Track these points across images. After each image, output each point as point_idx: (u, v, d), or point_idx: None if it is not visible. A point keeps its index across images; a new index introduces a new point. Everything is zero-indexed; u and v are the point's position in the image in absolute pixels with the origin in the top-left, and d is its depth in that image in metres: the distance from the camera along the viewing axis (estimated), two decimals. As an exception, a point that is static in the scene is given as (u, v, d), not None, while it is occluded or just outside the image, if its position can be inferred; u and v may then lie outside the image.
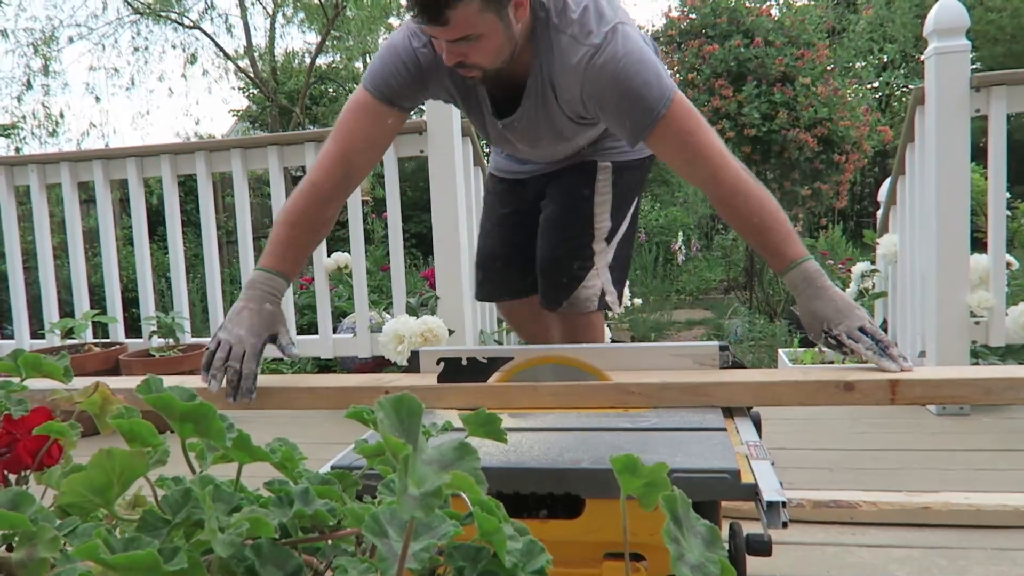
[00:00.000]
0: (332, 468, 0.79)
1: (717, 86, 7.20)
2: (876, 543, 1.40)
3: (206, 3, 12.16)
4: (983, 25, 13.01)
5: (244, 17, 12.40)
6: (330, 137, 1.45)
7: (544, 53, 1.36)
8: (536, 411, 1.16)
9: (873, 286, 3.35)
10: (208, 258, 2.87)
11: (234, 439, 0.57)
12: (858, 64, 9.91)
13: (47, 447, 0.62)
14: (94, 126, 16.38)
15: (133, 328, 3.11)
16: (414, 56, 1.40)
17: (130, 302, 3.25)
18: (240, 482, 0.58)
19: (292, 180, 6.26)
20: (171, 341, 2.77)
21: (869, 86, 10.29)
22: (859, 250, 7.65)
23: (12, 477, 0.63)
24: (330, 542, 0.54)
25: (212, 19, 16.11)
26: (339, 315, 3.23)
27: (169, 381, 0.62)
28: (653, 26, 11.97)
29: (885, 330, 3.16)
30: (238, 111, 15.26)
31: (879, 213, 3.40)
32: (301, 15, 12.81)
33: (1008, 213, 3.49)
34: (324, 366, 3.24)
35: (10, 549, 0.50)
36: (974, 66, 2.34)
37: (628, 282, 2.94)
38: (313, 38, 14.52)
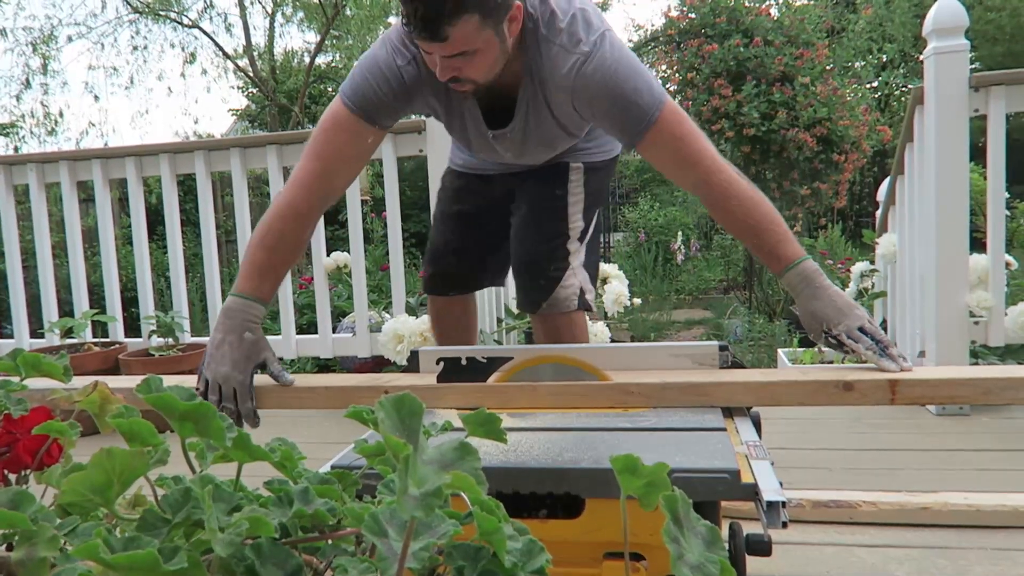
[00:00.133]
0: (332, 468, 0.79)
1: (716, 85, 7.20)
2: (876, 543, 1.40)
3: (205, 2, 12.15)
4: (982, 25, 13.01)
5: (243, 16, 12.39)
6: (308, 154, 1.40)
7: (534, 63, 1.36)
8: (536, 411, 1.16)
9: (872, 286, 3.35)
10: (207, 257, 2.87)
11: (234, 439, 0.57)
12: (857, 64, 9.91)
13: (47, 446, 0.62)
14: (93, 125, 16.38)
15: (132, 327, 3.11)
16: (399, 74, 1.37)
17: (129, 301, 3.25)
18: (240, 482, 0.58)
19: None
20: (170, 340, 2.77)
21: (868, 86, 10.29)
22: (858, 250, 7.65)
23: (12, 476, 0.63)
24: (330, 542, 0.54)
25: (211, 18, 16.15)
26: (338, 315, 3.23)
27: (169, 380, 0.62)
28: (653, 25, 11.96)
29: (885, 330, 3.16)
30: (237, 110, 15.25)
31: (878, 213, 3.40)
32: (300, 14, 12.80)
33: (1007, 213, 3.49)
34: (323, 366, 3.24)
35: (10, 548, 0.50)
36: (973, 66, 2.34)
37: (628, 282, 2.94)
38: (312, 37, 14.53)
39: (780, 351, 3.29)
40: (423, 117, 2.53)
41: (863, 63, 10.28)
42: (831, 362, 3.04)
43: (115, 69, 17.68)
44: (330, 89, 13.63)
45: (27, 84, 12.49)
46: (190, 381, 1.32)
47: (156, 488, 0.57)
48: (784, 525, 0.77)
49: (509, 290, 2.83)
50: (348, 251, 2.73)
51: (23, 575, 0.44)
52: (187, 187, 5.82)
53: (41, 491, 0.57)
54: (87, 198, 4.63)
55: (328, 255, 2.80)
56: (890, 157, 9.03)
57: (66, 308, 3.15)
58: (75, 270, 3.00)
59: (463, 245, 1.82)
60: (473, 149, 1.61)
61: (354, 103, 1.38)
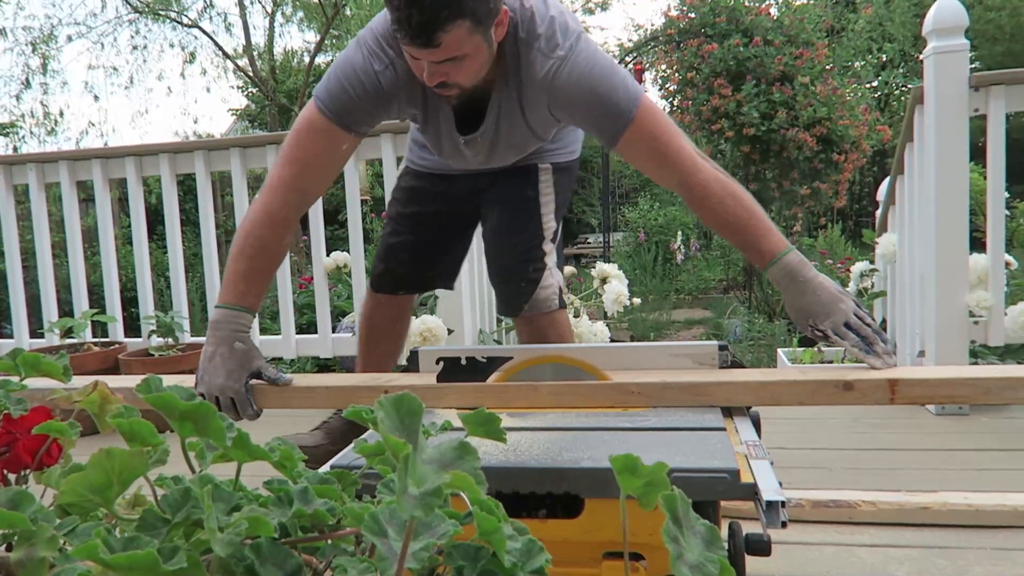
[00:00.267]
0: (331, 467, 0.79)
1: (716, 85, 7.20)
2: (875, 543, 1.40)
3: (205, 2, 12.15)
4: (982, 24, 13.01)
5: (243, 16, 12.38)
6: (282, 159, 1.39)
7: (511, 67, 1.36)
8: (535, 410, 1.16)
9: (872, 285, 3.35)
10: (207, 257, 2.87)
11: (233, 438, 0.57)
12: (857, 63, 9.91)
13: (46, 446, 0.62)
14: (93, 125, 16.36)
15: (132, 327, 3.11)
16: (376, 80, 1.35)
17: (129, 301, 3.25)
18: (239, 481, 0.58)
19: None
20: (170, 340, 2.77)
21: (868, 85, 10.29)
22: (858, 249, 7.65)
23: (12, 476, 0.63)
24: (329, 541, 0.54)
25: (211, 18, 16.12)
26: (338, 314, 3.23)
27: (168, 380, 0.62)
28: (652, 25, 11.96)
29: (884, 329, 3.17)
30: (237, 110, 15.26)
31: (878, 212, 3.40)
32: (300, 14, 12.80)
33: (1007, 212, 3.49)
34: (323, 365, 3.24)
35: (9, 548, 0.50)
36: (973, 65, 2.34)
37: (627, 282, 2.94)
38: (312, 37, 14.52)
39: (780, 351, 3.29)
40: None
41: (863, 63, 10.28)
42: (831, 362, 3.04)
43: (115, 69, 17.68)
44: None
45: (27, 84, 12.50)
46: (190, 381, 1.32)
47: (156, 488, 0.57)
48: (783, 525, 0.77)
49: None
50: (348, 251, 2.73)
51: (22, 575, 0.44)
52: (187, 187, 5.82)
53: (41, 491, 0.57)
54: (87, 198, 4.63)
55: (328, 255, 2.80)
56: (890, 157, 9.03)
57: (66, 308, 3.14)
58: (75, 270, 2.99)
59: (419, 245, 1.78)
60: (443, 154, 1.59)
61: (329, 109, 1.36)
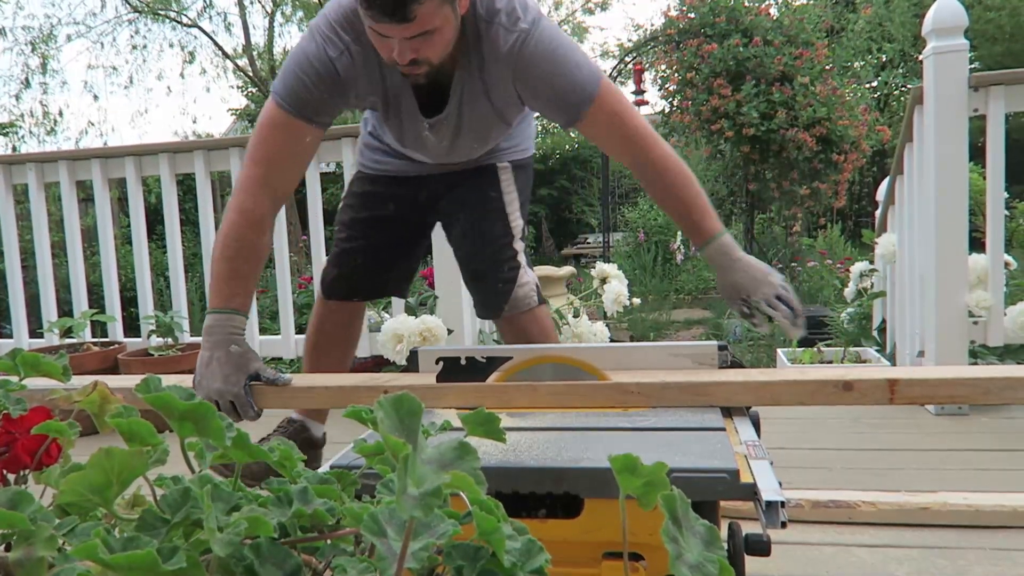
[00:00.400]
0: (331, 467, 0.79)
1: (716, 85, 7.20)
2: (875, 543, 1.40)
3: (204, 2, 12.16)
4: (981, 24, 13.01)
5: (243, 16, 12.39)
6: (248, 159, 1.38)
7: (472, 44, 1.35)
8: (535, 410, 1.16)
9: (872, 285, 3.35)
10: (207, 257, 2.87)
11: (233, 438, 0.57)
12: (857, 63, 9.91)
13: (46, 446, 0.62)
14: (92, 124, 16.34)
15: (132, 327, 3.11)
16: (332, 67, 1.34)
17: (129, 301, 3.25)
18: (239, 481, 0.58)
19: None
20: (170, 340, 2.77)
21: (868, 85, 10.29)
22: (858, 249, 7.66)
23: (11, 476, 0.63)
24: (329, 541, 0.54)
25: (211, 17, 16.15)
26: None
27: (168, 380, 0.62)
28: (652, 25, 11.96)
29: (884, 329, 3.17)
30: (236, 110, 15.25)
31: (878, 213, 3.40)
32: (300, 13, 12.80)
33: (1006, 213, 3.49)
34: (323, 365, 3.23)
35: (8, 548, 0.50)
36: (972, 65, 2.34)
37: (627, 282, 2.94)
38: (312, 37, 14.47)
39: (779, 351, 3.29)
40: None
41: (862, 63, 10.28)
42: (830, 362, 3.04)
43: (114, 68, 17.73)
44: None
45: (26, 83, 12.50)
46: (189, 381, 1.32)
47: (155, 488, 0.56)
48: (783, 525, 0.77)
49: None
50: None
51: (21, 575, 0.44)
52: (186, 187, 5.81)
53: (40, 491, 0.57)
54: (86, 198, 4.63)
55: (328, 255, 2.79)
56: (889, 157, 9.04)
57: (65, 308, 3.14)
58: (74, 270, 2.99)
59: (374, 250, 1.75)
60: (405, 143, 1.57)
61: (287, 102, 1.35)
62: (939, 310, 2.28)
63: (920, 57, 2.37)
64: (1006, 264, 2.51)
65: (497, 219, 1.68)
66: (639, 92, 9.90)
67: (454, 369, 1.22)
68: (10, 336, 3.11)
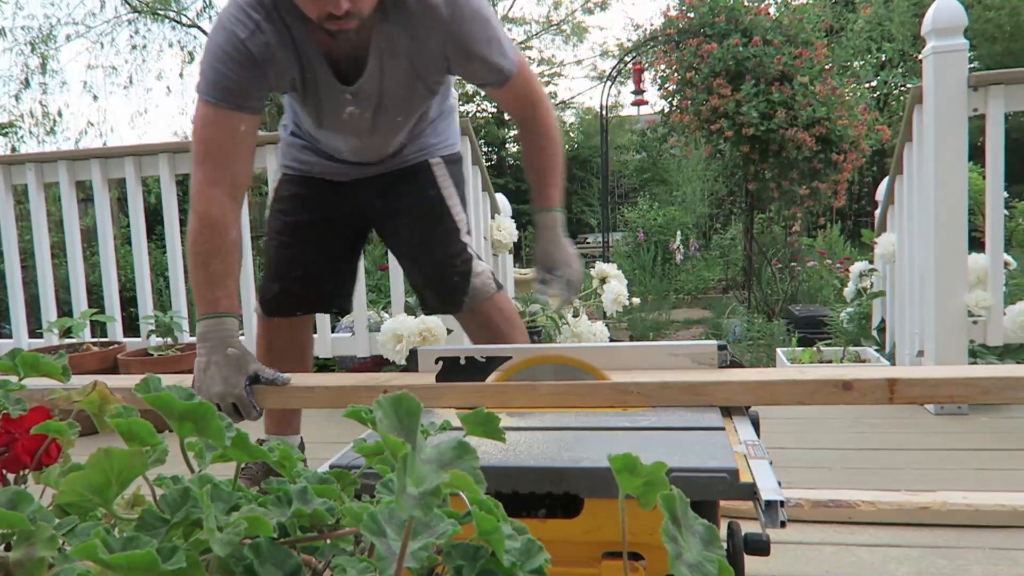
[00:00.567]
0: (330, 467, 0.79)
1: (715, 85, 7.20)
2: (874, 542, 1.40)
3: (204, 1, 12.15)
4: (981, 24, 13.02)
5: (242, 16, 12.36)
6: (193, 164, 1.38)
7: (391, 8, 1.34)
8: (534, 410, 1.16)
9: (871, 285, 3.35)
10: (206, 257, 2.86)
11: (232, 438, 0.57)
12: (856, 63, 9.92)
13: (45, 446, 0.62)
14: (92, 125, 16.32)
15: (131, 327, 3.11)
16: (245, 49, 1.33)
17: (128, 301, 3.25)
18: (238, 481, 0.58)
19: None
20: (169, 340, 2.77)
21: (867, 85, 10.29)
22: (857, 249, 7.66)
23: (10, 476, 0.63)
24: (329, 541, 0.54)
25: (210, 17, 16.06)
26: (337, 314, 3.22)
27: (167, 380, 0.62)
28: (652, 25, 11.96)
29: (883, 329, 3.17)
30: (236, 110, 15.22)
31: (877, 212, 3.40)
32: (299, 14, 12.78)
33: (1006, 212, 3.49)
34: (322, 365, 3.24)
35: (8, 548, 0.50)
36: (972, 65, 2.34)
37: (627, 281, 2.94)
38: (311, 37, 14.47)
39: (779, 350, 3.30)
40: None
41: (862, 62, 10.29)
42: (830, 361, 3.04)
43: (114, 68, 17.70)
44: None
45: (26, 83, 12.50)
46: (188, 381, 1.32)
47: (155, 488, 0.56)
48: (783, 524, 0.77)
49: (508, 291, 2.82)
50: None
51: (21, 575, 0.44)
52: (186, 187, 5.81)
53: (39, 491, 0.57)
54: (86, 198, 4.63)
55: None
56: (889, 156, 9.04)
57: (65, 308, 3.14)
58: (74, 270, 2.99)
59: (311, 259, 1.68)
60: (324, 124, 1.54)
61: (212, 96, 1.35)
62: (939, 310, 2.28)
63: (920, 57, 2.37)
64: (1005, 264, 2.51)
65: (441, 217, 1.66)
66: (639, 92, 9.91)
67: (453, 369, 1.22)
68: (10, 336, 3.11)
